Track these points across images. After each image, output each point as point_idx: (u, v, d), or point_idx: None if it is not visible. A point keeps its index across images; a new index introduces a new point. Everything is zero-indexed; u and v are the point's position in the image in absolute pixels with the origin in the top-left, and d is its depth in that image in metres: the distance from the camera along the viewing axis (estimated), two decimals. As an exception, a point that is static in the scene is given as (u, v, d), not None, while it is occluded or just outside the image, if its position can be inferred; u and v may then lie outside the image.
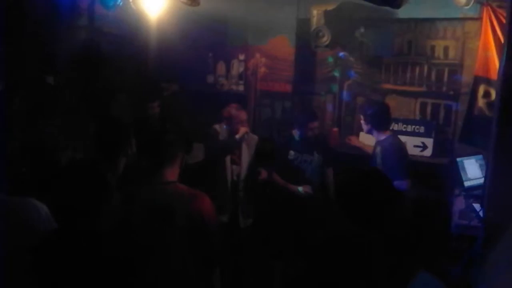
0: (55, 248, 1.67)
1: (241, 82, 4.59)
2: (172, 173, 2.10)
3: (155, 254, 1.97)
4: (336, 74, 4.50)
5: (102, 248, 1.70)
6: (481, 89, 3.86)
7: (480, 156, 3.73)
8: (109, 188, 1.79)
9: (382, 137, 3.30)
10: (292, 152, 3.59)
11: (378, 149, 3.29)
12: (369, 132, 3.39)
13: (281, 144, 3.78)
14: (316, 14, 3.98)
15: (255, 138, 3.66)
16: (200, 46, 4.40)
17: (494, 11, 3.71)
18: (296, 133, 3.63)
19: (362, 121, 3.40)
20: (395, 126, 4.17)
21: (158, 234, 1.98)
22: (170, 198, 2.03)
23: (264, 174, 3.53)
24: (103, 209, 1.74)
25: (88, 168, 1.80)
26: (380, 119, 3.33)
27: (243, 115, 3.47)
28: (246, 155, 3.51)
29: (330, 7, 4.00)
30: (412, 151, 4.08)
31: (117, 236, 1.86)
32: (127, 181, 2.27)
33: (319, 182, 3.64)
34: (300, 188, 3.52)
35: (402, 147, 3.37)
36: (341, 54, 4.42)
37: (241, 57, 4.57)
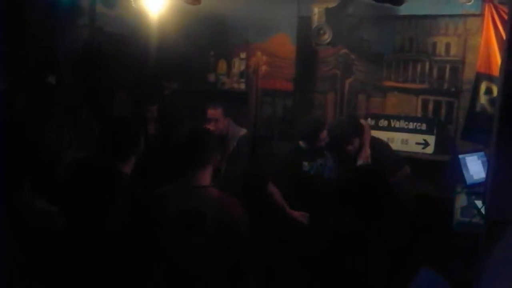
0: (62, 248, 1.65)
1: (242, 80, 4.59)
2: (204, 177, 2.07)
3: (181, 259, 1.95)
4: (337, 71, 4.50)
5: (116, 250, 1.67)
6: (483, 86, 3.84)
7: (482, 153, 3.72)
8: (122, 188, 1.75)
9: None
10: (305, 163, 3.42)
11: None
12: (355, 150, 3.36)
13: (290, 157, 3.52)
14: (317, 12, 3.97)
15: (237, 132, 3.60)
16: (201, 44, 4.40)
17: (495, 8, 3.69)
18: (303, 143, 3.46)
19: (348, 146, 3.34)
20: (396, 124, 4.17)
21: (185, 238, 1.95)
22: (200, 202, 1.98)
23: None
24: (114, 210, 1.71)
25: (102, 167, 1.76)
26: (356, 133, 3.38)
27: (210, 113, 3.48)
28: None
29: (331, 5, 4.00)
30: (414, 148, 4.09)
31: (141, 236, 1.84)
32: (138, 181, 2.26)
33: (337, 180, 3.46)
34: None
35: (382, 140, 3.61)
36: (342, 51, 4.42)
37: (242, 55, 4.57)
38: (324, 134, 3.40)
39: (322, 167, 3.48)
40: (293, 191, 3.36)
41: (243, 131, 3.65)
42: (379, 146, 3.46)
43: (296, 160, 3.44)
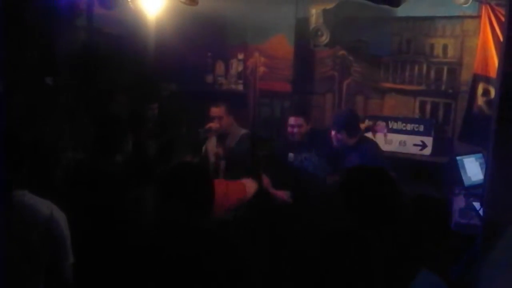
0: None
1: (240, 81, 4.58)
2: None
3: None
4: (335, 73, 4.50)
5: None
6: (480, 87, 3.86)
7: (480, 155, 3.73)
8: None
9: (352, 142, 3.25)
10: (291, 154, 3.51)
11: (354, 154, 3.19)
12: (341, 141, 3.26)
13: (278, 147, 3.67)
14: (314, 13, 3.98)
15: (238, 131, 3.62)
16: (199, 45, 4.39)
17: (493, 9, 3.71)
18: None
19: (334, 133, 3.25)
20: (394, 125, 4.18)
21: None
22: None
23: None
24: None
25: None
26: (353, 125, 3.29)
27: (213, 111, 3.52)
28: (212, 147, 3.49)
29: (329, 6, 4.00)
30: (412, 150, 4.09)
31: None
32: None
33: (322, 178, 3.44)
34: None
35: (375, 143, 3.50)
36: (340, 53, 4.42)
37: (240, 56, 4.57)
38: (296, 121, 3.41)
39: (307, 161, 3.50)
40: (280, 181, 3.43)
41: (244, 131, 3.69)
42: (368, 144, 3.35)
43: (282, 151, 3.54)
